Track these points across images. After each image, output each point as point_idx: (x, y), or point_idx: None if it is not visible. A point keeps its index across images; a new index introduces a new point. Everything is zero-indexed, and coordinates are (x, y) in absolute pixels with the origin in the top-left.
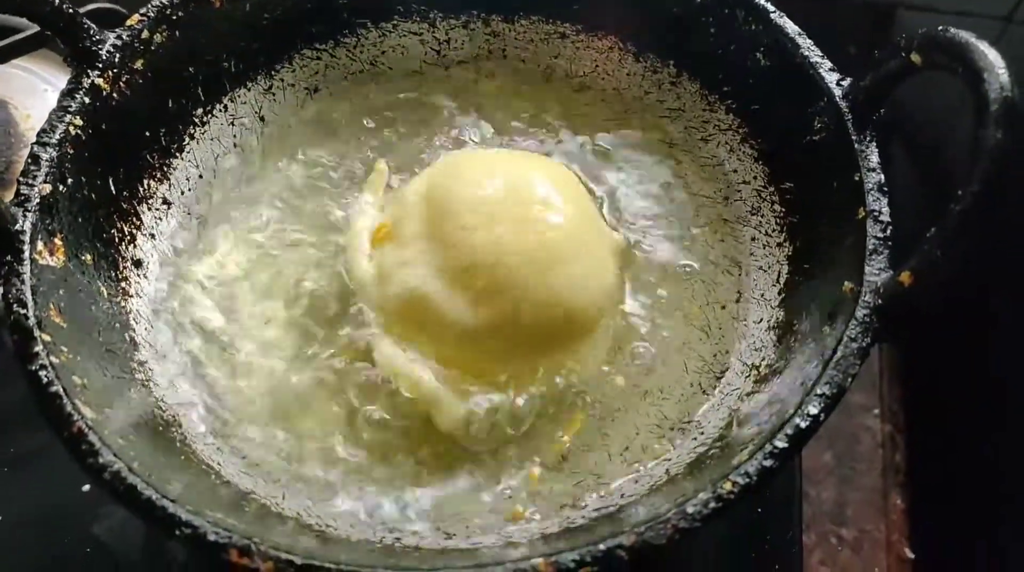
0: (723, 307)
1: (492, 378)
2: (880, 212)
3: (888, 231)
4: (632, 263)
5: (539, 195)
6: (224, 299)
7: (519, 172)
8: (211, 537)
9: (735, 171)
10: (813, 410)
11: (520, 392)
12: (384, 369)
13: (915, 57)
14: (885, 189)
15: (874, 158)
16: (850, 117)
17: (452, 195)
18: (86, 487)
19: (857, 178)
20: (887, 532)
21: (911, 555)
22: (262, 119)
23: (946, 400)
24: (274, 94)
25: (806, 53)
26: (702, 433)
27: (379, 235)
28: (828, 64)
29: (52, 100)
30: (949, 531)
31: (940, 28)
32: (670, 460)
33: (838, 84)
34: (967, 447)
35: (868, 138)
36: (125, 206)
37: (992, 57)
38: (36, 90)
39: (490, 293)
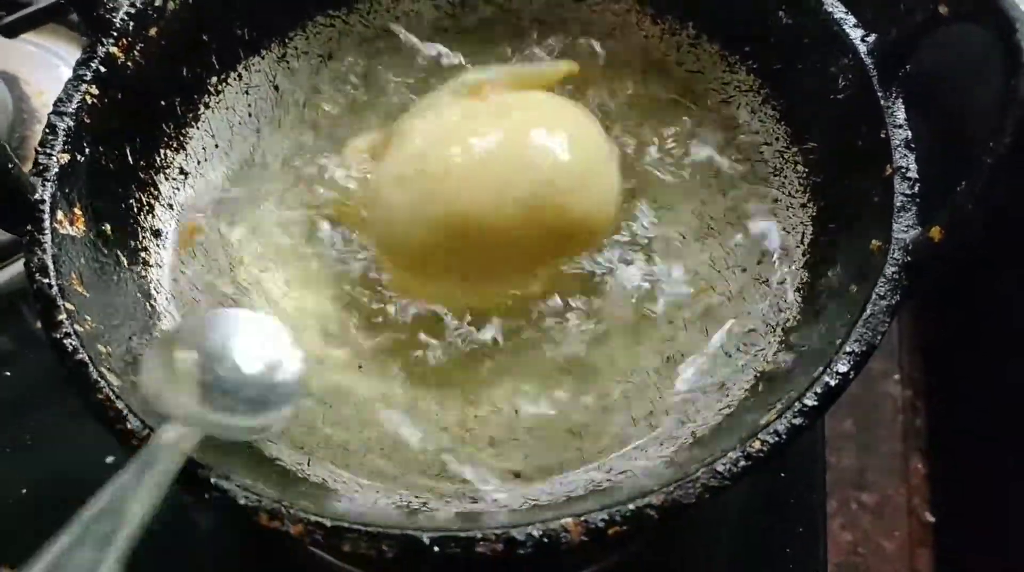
0: (744, 270)
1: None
2: (907, 169)
3: (916, 188)
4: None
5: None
6: (243, 266)
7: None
8: (241, 500)
9: (756, 133)
10: (842, 368)
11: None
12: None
13: (942, 8)
14: (912, 146)
15: (900, 114)
16: (875, 74)
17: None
18: (110, 459)
19: (883, 135)
20: (908, 496)
21: (932, 519)
22: (276, 88)
23: (965, 364)
24: (288, 62)
25: (829, 9)
26: (727, 396)
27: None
28: (852, 20)
29: (64, 75)
30: (970, 495)
31: None
32: (695, 422)
33: (863, 40)
34: (987, 411)
35: (894, 94)
36: (143, 176)
37: None
38: (48, 65)
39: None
